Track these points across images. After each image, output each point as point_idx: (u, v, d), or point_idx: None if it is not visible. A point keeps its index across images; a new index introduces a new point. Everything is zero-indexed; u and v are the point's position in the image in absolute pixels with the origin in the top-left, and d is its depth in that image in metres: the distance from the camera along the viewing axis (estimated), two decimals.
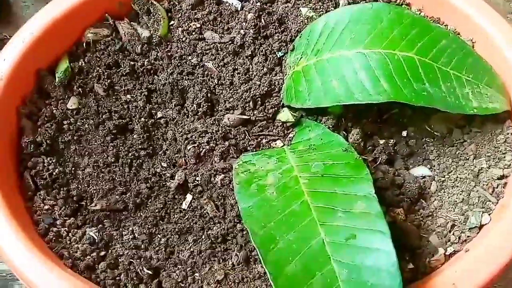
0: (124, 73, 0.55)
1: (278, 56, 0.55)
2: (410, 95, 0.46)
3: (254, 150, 0.51)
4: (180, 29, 0.59)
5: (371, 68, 0.48)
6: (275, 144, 0.51)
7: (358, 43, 0.49)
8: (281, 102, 0.53)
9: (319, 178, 0.43)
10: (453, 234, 0.46)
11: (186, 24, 0.59)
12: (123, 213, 0.49)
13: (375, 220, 0.39)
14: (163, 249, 0.47)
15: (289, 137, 0.51)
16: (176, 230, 0.47)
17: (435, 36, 0.50)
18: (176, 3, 0.61)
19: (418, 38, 0.49)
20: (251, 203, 0.41)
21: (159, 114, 0.54)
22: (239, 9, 0.59)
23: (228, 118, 0.52)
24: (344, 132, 0.50)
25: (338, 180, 0.42)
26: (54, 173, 0.50)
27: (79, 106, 0.54)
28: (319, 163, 0.44)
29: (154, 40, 0.58)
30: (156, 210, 0.49)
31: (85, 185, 0.50)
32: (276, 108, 0.53)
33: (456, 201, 0.48)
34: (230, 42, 0.56)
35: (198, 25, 0.59)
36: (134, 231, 0.48)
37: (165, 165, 0.51)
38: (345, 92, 0.47)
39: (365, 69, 0.48)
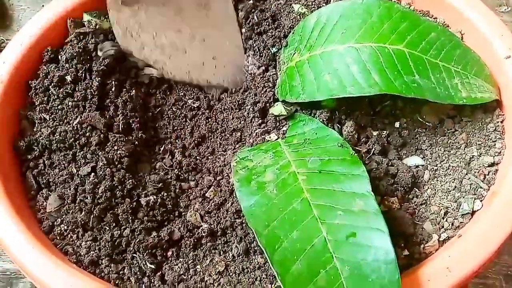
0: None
1: (272, 52, 0.56)
2: (401, 87, 0.47)
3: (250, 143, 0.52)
4: None
5: (363, 61, 0.49)
6: (269, 137, 0.52)
7: (349, 38, 0.51)
8: (275, 97, 0.54)
9: (317, 175, 0.44)
10: (446, 220, 0.48)
11: None
12: None
13: (373, 218, 0.41)
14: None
15: (283, 130, 0.52)
16: None
17: (424, 29, 0.52)
18: None
19: (407, 32, 0.51)
20: (252, 202, 0.42)
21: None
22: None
23: None
24: (338, 125, 0.52)
25: (336, 177, 0.43)
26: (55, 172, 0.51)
27: None
28: (315, 158, 0.45)
29: None
30: None
31: None
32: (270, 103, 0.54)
33: (448, 188, 0.49)
34: None
35: None
36: None
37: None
38: (338, 86, 0.49)
39: (357, 62, 0.49)
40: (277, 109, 0.53)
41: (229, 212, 0.48)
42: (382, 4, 0.52)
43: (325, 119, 0.51)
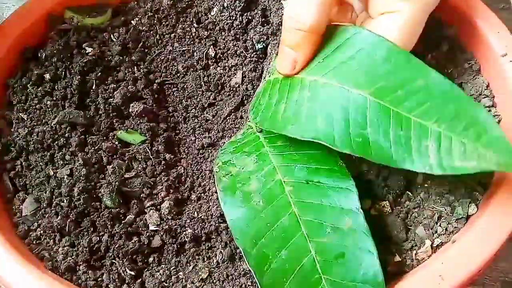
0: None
1: (257, 48, 0.55)
2: (339, 139, 0.41)
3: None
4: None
5: (318, 100, 0.43)
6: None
7: (321, 70, 0.45)
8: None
9: (304, 185, 0.42)
10: (440, 225, 0.46)
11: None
12: None
13: (362, 238, 0.40)
14: None
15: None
16: None
17: (410, 75, 0.41)
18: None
19: (384, 76, 0.42)
20: (238, 215, 0.41)
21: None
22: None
23: None
24: None
25: (324, 190, 0.42)
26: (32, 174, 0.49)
27: None
28: (302, 165, 0.44)
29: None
30: None
31: None
32: None
33: (443, 192, 0.48)
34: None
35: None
36: None
37: None
38: (283, 120, 0.44)
39: (312, 100, 0.43)
40: None
41: (213, 216, 0.46)
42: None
43: None
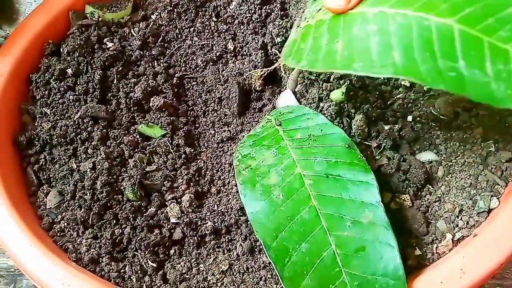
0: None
1: (277, 42, 0.55)
2: (427, 73, 0.34)
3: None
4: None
5: (388, 33, 0.37)
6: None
7: (385, 0, 0.39)
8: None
9: (324, 179, 0.42)
10: (461, 219, 0.46)
11: None
12: None
13: (383, 231, 0.40)
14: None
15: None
16: None
17: (498, 1, 0.36)
18: None
19: (469, 2, 0.36)
20: (258, 208, 0.42)
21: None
22: None
23: None
24: (347, 119, 0.49)
25: (344, 184, 0.42)
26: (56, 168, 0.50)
27: None
28: (321, 159, 0.44)
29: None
30: None
31: None
32: None
33: (464, 185, 0.47)
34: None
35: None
36: None
37: None
38: (345, 58, 0.38)
39: (381, 33, 0.37)
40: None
41: (233, 209, 0.47)
42: None
43: (333, 113, 0.49)
